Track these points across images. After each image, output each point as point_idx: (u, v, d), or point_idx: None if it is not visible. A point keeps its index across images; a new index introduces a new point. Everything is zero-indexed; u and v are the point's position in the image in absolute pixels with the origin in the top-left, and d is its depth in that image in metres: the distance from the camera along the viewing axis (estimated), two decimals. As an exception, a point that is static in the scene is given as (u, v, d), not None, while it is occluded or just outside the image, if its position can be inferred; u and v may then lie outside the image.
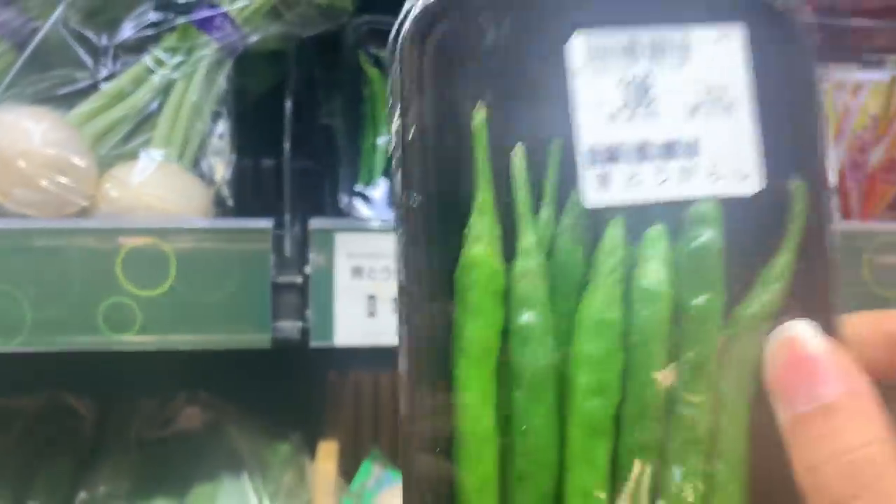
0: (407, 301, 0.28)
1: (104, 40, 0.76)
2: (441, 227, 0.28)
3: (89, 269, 0.67)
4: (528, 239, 0.28)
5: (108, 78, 0.76)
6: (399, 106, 0.28)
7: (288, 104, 0.80)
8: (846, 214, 0.86)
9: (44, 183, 0.66)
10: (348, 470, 0.92)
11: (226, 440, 0.95)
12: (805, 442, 0.27)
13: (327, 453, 0.86)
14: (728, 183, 0.29)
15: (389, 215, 0.80)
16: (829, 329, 0.28)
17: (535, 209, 0.29)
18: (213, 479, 0.89)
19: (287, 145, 0.77)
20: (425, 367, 0.28)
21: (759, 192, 0.29)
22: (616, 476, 0.29)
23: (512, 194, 0.29)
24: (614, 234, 0.29)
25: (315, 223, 0.71)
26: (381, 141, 0.84)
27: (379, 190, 0.82)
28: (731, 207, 0.29)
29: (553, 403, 0.28)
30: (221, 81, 0.79)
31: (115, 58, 0.76)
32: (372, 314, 0.72)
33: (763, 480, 0.29)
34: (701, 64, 0.29)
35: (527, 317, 0.28)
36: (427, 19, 0.28)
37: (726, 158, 0.29)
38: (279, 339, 0.71)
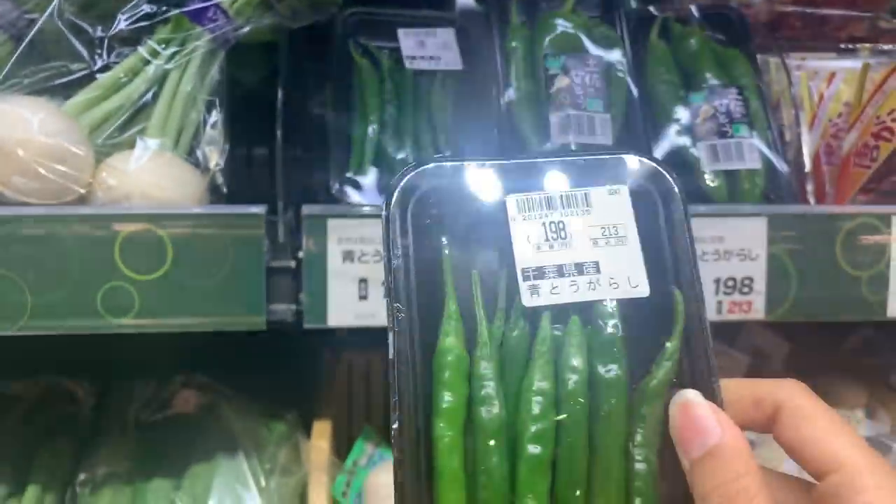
0: (398, 379, 0.39)
1: (99, 32, 0.78)
2: (420, 329, 0.40)
3: (88, 255, 0.69)
4: (483, 334, 0.40)
5: (104, 69, 0.78)
6: (389, 247, 0.41)
7: (279, 94, 0.82)
8: (820, 198, 0.89)
9: (42, 171, 0.68)
10: (341, 447, 0.95)
11: (222, 421, 0.97)
12: (699, 478, 0.37)
13: (321, 432, 0.88)
14: (623, 290, 0.41)
15: (380, 201, 0.82)
16: (711, 395, 0.39)
17: (491, 312, 0.41)
18: (209, 460, 0.91)
19: (279, 134, 0.79)
20: (412, 428, 0.39)
21: (649, 298, 0.41)
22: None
23: (472, 304, 0.41)
24: (544, 327, 0.41)
25: (307, 209, 0.73)
26: (371, 129, 0.86)
27: (369, 177, 0.84)
28: (632, 309, 0.41)
29: (505, 449, 0.39)
30: (215, 72, 0.81)
31: (110, 49, 0.78)
32: (363, 297, 0.75)
33: None
34: (600, 211, 0.42)
35: (485, 389, 0.40)
36: (405, 190, 0.41)
37: (621, 274, 0.41)
38: (273, 322, 0.73)
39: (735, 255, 0.79)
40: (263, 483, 0.88)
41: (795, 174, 0.87)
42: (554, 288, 0.41)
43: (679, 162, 0.87)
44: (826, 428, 0.38)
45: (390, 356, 0.39)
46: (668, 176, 0.42)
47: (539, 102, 0.87)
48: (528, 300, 0.41)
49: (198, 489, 0.89)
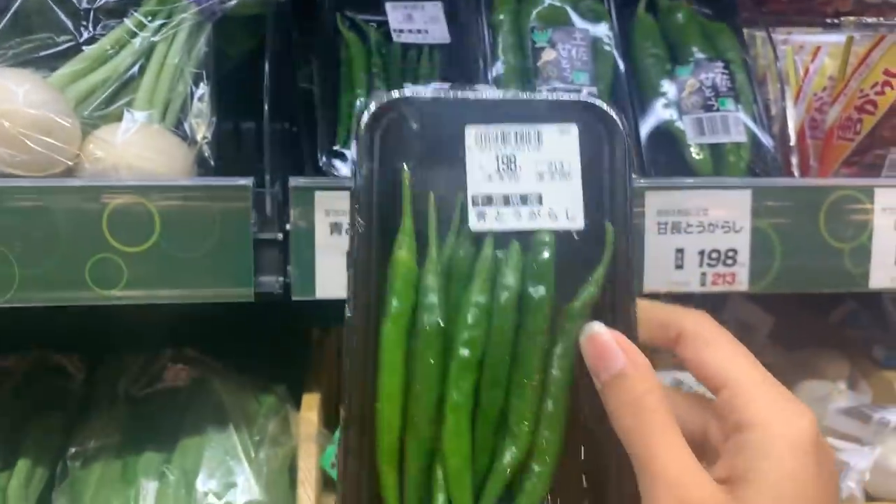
0: (354, 284, 0.45)
1: (85, 3, 0.78)
2: (378, 241, 0.45)
3: (76, 227, 0.69)
4: (432, 250, 0.45)
5: (90, 41, 0.77)
6: (355, 167, 0.45)
7: (266, 67, 0.82)
8: (805, 171, 0.89)
9: (28, 143, 0.68)
10: (331, 421, 0.96)
11: (212, 394, 0.97)
12: (607, 398, 0.43)
13: (310, 404, 0.89)
14: (561, 222, 0.46)
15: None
16: (628, 319, 0.45)
17: (443, 232, 0.46)
18: (199, 433, 0.92)
19: (266, 107, 0.79)
20: (363, 327, 0.45)
21: (584, 229, 0.46)
22: (477, 401, 0.45)
23: (425, 223, 0.45)
24: (487, 248, 0.46)
25: (295, 181, 0.73)
26: (358, 103, 0.86)
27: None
28: (569, 239, 0.46)
29: (440, 350, 0.45)
30: (202, 45, 0.81)
31: (96, 21, 0.78)
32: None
33: (588, 420, 0.46)
34: (549, 148, 0.46)
35: (429, 298, 0.45)
36: (374, 118, 0.45)
37: (561, 206, 0.46)
38: (261, 294, 0.74)
39: (719, 228, 0.79)
40: (253, 455, 0.89)
41: (780, 147, 0.88)
42: (499, 215, 0.46)
43: (665, 135, 0.87)
44: (721, 350, 0.43)
45: (350, 263, 0.45)
46: (616, 119, 0.46)
47: (526, 76, 0.88)
48: (474, 224, 0.46)
49: (188, 462, 0.90)
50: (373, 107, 0.45)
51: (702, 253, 0.79)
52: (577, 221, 0.46)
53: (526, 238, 0.46)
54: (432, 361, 0.44)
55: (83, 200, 0.69)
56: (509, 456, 0.45)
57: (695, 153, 0.86)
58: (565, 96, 0.47)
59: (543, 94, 0.47)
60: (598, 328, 0.44)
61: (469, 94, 0.46)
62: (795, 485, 0.39)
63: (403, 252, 0.45)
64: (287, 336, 1.09)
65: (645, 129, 0.87)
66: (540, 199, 0.46)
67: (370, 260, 0.45)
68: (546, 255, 0.45)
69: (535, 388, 0.45)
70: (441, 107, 0.46)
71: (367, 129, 0.45)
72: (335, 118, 0.87)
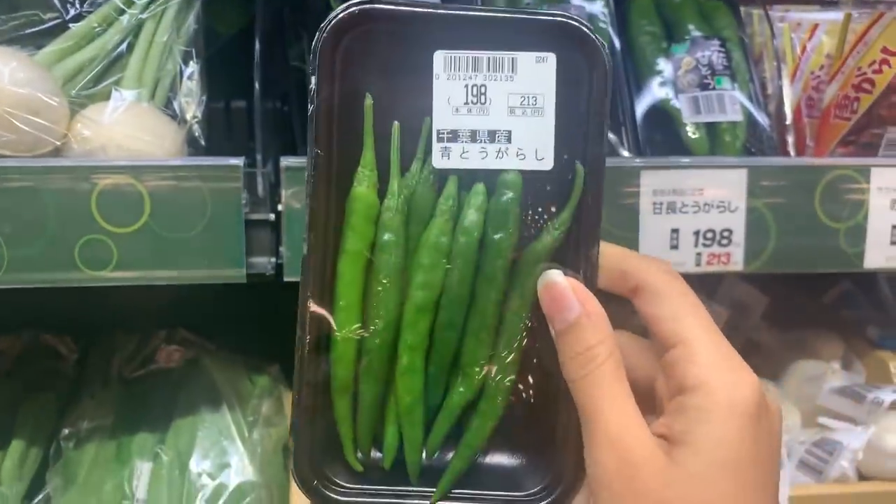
0: (311, 218, 0.42)
1: (71, -20, 0.76)
2: (337, 173, 0.43)
3: (64, 208, 0.69)
4: (393, 186, 0.43)
5: (76, 18, 0.76)
6: (315, 89, 0.41)
7: (257, 45, 0.81)
8: (801, 151, 0.89)
9: (15, 122, 0.67)
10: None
11: (205, 375, 0.97)
12: (560, 347, 0.42)
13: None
14: (529, 162, 0.43)
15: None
16: (590, 265, 0.43)
17: (405, 166, 0.43)
18: (193, 413, 0.92)
19: (257, 86, 0.78)
20: (320, 263, 0.43)
21: (554, 169, 0.43)
22: (432, 341, 0.45)
23: (388, 155, 0.43)
24: (450, 188, 0.43)
25: (286, 161, 0.72)
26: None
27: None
28: (536, 180, 0.43)
29: (398, 291, 0.44)
30: (191, 22, 0.80)
31: (83, -2, 0.77)
32: (343, 250, 0.75)
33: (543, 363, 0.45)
34: (524, 79, 0.43)
35: (387, 236, 0.43)
36: (337, 31, 0.41)
37: (530, 145, 0.43)
38: (253, 275, 0.73)
39: (714, 208, 0.79)
40: (247, 435, 0.88)
41: (776, 127, 0.87)
42: (464, 153, 0.43)
43: (661, 114, 0.87)
44: (674, 308, 0.43)
45: (307, 196, 0.43)
46: (600, 48, 0.42)
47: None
48: (438, 162, 0.43)
49: (182, 442, 0.90)
50: (336, 17, 0.41)
51: (697, 233, 0.79)
52: (546, 162, 0.43)
53: (492, 176, 0.44)
54: (388, 300, 0.44)
55: (71, 181, 0.68)
56: (459, 396, 0.45)
57: (691, 132, 0.85)
58: (545, 16, 0.43)
59: (520, 12, 0.43)
60: (555, 276, 0.43)
61: (442, 10, 0.42)
62: (733, 450, 0.39)
63: (363, 187, 0.43)
64: (280, 316, 1.09)
65: (641, 107, 0.87)
66: (509, 137, 0.43)
67: (329, 194, 0.43)
68: (510, 196, 0.43)
69: (490, 331, 0.45)
70: (410, 23, 0.42)
71: (329, 45, 0.41)
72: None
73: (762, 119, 0.88)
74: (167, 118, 0.75)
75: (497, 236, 0.44)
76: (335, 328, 0.43)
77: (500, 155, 0.43)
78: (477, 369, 0.45)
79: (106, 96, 0.74)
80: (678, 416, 0.41)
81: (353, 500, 0.45)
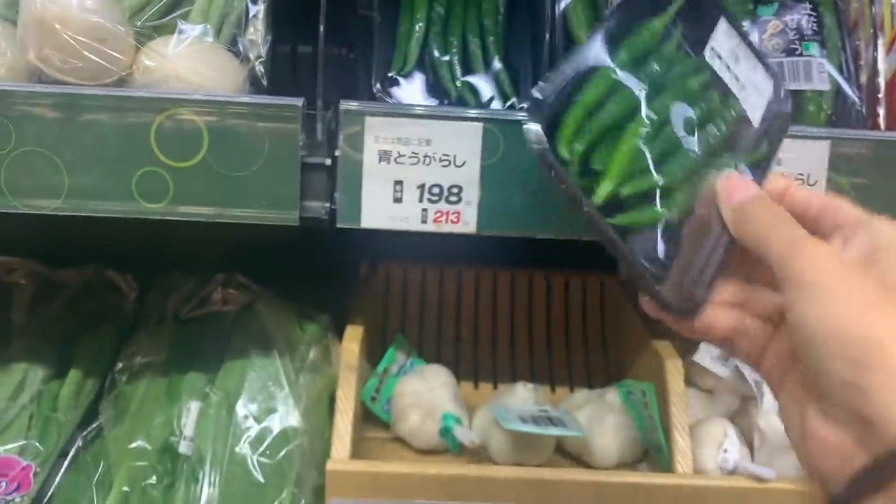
0: None
1: (144, -89, 0.76)
2: None
3: (124, 138, 0.69)
4: None
5: (148, -50, 0.76)
6: None
7: (324, -14, 0.79)
8: (893, 125, 0.82)
9: (82, 50, 0.67)
10: (373, 356, 0.95)
11: (258, 321, 0.98)
12: (744, 213, 0.52)
13: (353, 336, 0.88)
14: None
15: (422, 101, 0.80)
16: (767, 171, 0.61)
17: None
18: (243, 357, 0.92)
19: (321, 29, 0.76)
20: None
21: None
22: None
23: None
24: None
25: (345, 105, 0.71)
26: (417, 28, 0.83)
27: (412, 78, 0.82)
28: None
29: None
30: (260, -40, 0.79)
31: (155, -71, 0.76)
32: (398, 199, 0.73)
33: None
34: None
35: None
36: None
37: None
38: (306, 218, 0.72)
39: (794, 180, 0.74)
40: (294, 381, 0.89)
41: (867, 99, 0.82)
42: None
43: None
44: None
45: None
46: None
47: (597, 10, 0.83)
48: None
49: (230, 384, 0.90)
50: None
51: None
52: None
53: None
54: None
55: (132, 111, 0.68)
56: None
57: (774, 100, 0.80)
58: None
59: None
60: (734, 174, 0.56)
61: None
62: None
63: None
64: (335, 266, 1.09)
65: (720, 71, 0.82)
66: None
67: None
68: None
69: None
70: None
71: None
72: (393, 44, 0.84)
73: (851, 90, 0.82)
74: (230, 55, 0.75)
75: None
76: None
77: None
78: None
79: (172, 30, 0.73)
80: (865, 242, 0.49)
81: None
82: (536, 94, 0.53)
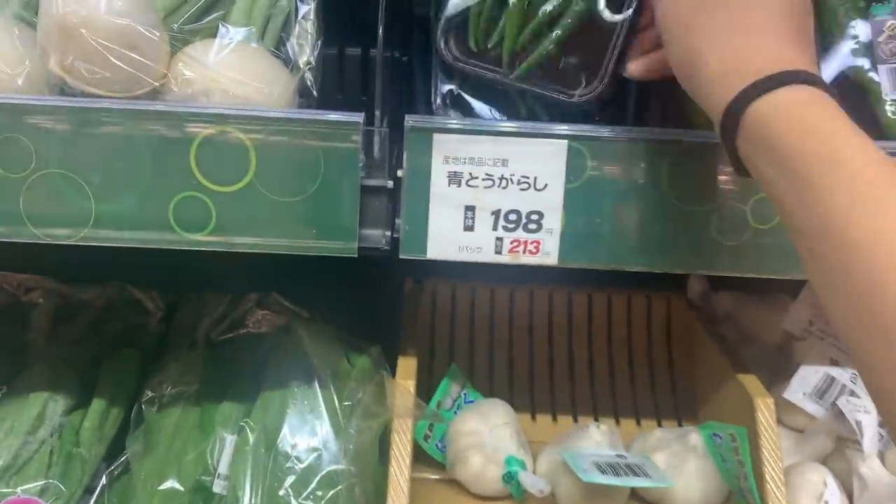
0: None
1: None
2: None
3: (160, 158, 0.61)
4: None
5: (183, -59, 0.67)
6: None
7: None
8: None
9: (111, 58, 0.59)
10: (421, 382, 0.86)
11: (297, 346, 0.90)
12: None
13: (406, 370, 0.80)
14: None
15: (492, 116, 0.70)
16: None
17: None
18: (283, 386, 0.85)
19: (381, 30, 0.67)
20: None
21: None
22: None
23: None
24: None
25: (412, 120, 0.62)
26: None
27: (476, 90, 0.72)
28: None
29: None
30: (307, -48, 0.69)
31: (191, -82, 0.67)
32: (469, 227, 0.64)
33: None
34: None
35: None
36: None
37: None
38: (365, 248, 0.64)
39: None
40: (341, 419, 0.81)
41: None
42: None
43: (852, 86, 0.72)
44: None
45: None
46: None
47: None
48: None
49: (269, 418, 0.83)
50: None
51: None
52: None
53: None
54: None
55: (170, 128, 0.60)
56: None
57: (891, 112, 0.71)
58: None
59: None
60: None
61: None
62: None
63: None
64: (377, 287, 1.00)
65: (827, 77, 0.72)
66: None
67: None
68: None
69: None
70: None
71: None
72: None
73: (976, 100, 0.72)
74: (278, 62, 0.66)
75: None
76: None
77: None
78: None
79: (211, 33, 0.65)
80: None
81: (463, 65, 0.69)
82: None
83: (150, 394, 0.88)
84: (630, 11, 0.65)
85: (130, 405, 0.87)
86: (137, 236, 0.62)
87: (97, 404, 0.86)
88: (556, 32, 0.67)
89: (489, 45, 0.68)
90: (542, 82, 0.67)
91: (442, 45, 0.69)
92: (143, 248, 0.92)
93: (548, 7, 0.67)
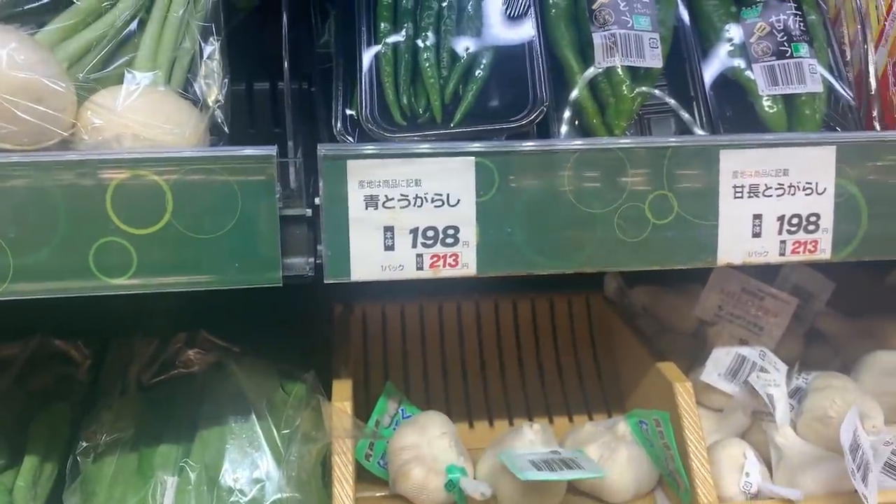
0: None
1: (73, -52, 0.67)
2: None
3: (75, 207, 0.61)
4: None
5: (81, -9, 0.67)
6: None
7: (285, 18, 0.72)
8: (888, 123, 0.80)
9: (16, 112, 0.59)
10: (358, 403, 0.88)
11: (231, 382, 0.90)
12: None
13: (342, 392, 0.81)
14: None
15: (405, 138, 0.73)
16: None
17: None
18: (220, 423, 0.85)
19: (286, 64, 0.69)
20: None
21: None
22: None
23: None
24: None
25: (325, 149, 0.64)
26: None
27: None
28: None
29: None
30: (208, -6, 0.71)
31: (88, -32, 0.67)
32: (389, 247, 0.67)
33: None
34: None
35: None
36: None
37: None
38: (290, 277, 0.65)
39: (801, 190, 0.71)
40: (281, 449, 0.81)
41: (859, 97, 0.79)
42: None
43: (732, 85, 0.78)
44: None
45: None
46: None
47: (578, 19, 0.78)
48: None
49: (209, 455, 0.83)
50: None
51: (781, 219, 0.71)
52: None
53: None
54: None
55: (83, 176, 0.60)
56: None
57: (767, 106, 0.76)
58: None
59: None
60: None
61: None
62: None
63: None
64: (306, 315, 1.01)
65: (709, 78, 0.78)
66: None
67: None
68: None
69: None
70: None
71: None
72: (355, 76, 0.77)
73: (843, 89, 0.79)
74: (187, 103, 0.67)
75: None
76: None
77: None
78: None
79: (117, 80, 0.65)
80: None
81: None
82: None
83: (84, 444, 0.86)
84: None
85: (64, 459, 0.86)
86: (59, 286, 0.62)
87: (29, 462, 0.84)
88: (479, 73, 0.75)
89: (416, 111, 0.76)
90: (478, 122, 0.74)
91: (370, 126, 0.74)
92: (68, 298, 0.92)
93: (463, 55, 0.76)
